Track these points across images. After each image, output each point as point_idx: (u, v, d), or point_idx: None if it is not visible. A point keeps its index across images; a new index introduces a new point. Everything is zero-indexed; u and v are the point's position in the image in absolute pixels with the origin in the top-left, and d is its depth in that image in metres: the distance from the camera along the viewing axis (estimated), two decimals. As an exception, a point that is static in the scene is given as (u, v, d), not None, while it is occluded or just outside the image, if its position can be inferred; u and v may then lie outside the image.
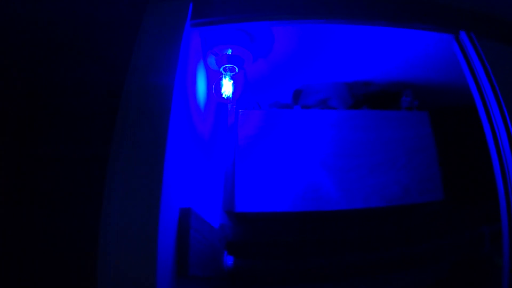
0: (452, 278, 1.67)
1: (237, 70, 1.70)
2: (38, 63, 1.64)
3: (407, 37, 1.70)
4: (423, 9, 1.42)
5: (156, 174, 0.98)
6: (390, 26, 1.44)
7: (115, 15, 1.48)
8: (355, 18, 1.39)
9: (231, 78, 1.71)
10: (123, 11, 1.44)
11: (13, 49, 1.57)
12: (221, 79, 1.71)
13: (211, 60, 1.69)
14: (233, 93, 1.71)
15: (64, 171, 1.59)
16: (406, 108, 2.01)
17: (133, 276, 0.88)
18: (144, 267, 0.88)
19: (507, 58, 1.35)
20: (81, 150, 1.61)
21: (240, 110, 1.96)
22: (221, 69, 1.69)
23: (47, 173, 1.61)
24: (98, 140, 1.44)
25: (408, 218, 1.93)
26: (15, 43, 1.56)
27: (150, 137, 1.05)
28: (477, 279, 1.58)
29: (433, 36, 1.65)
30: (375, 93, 2.08)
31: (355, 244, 1.82)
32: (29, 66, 1.65)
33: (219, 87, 1.71)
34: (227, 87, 1.70)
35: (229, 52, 1.65)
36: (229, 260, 1.67)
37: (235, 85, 1.72)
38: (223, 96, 1.70)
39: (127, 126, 1.07)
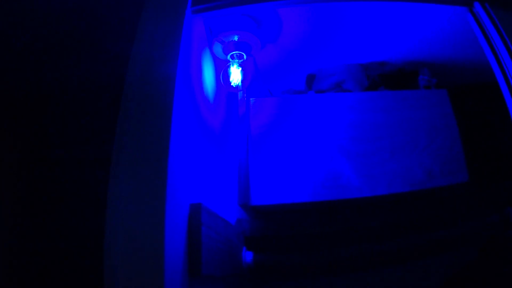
0: (480, 261, 1.58)
1: (245, 57, 1.63)
2: (39, 62, 1.61)
3: (420, 13, 1.64)
4: None
5: (160, 169, 0.94)
6: (403, 1, 1.40)
7: (114, 8, 1.44)
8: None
9: (240, 65, 1.64)
10: (123, 3, 1.41)
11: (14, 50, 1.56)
12: (228, 67, 1.64)
13: (218, 49, 1.63)
14: (242, 81, 1.65)
15: (71, 172, 1.57)
16: (424, 86, 1.91)
17: (140, 277, 0.83)
18: (151, 268, 0.83)
19: None
20: (87, 149, 1.59)
21: (251, 99, 1.89)
22: (229, 57, 1.62)
23: (54, 175, 1.59)
24: (103, 138, 1.40)
25: (433, 202, 1.83)
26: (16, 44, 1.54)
27: (152, 129, 1.00)
28: (505, 260, 1.49)
29: (447, 10, 1.60)
30: (391, 73, 1.99)
31: (380, 232, 1.73)
32: (31, 66, 1.62)
33: (227, 75, 1.64)
34: (235, 75, 1.63)
35: (236, 38, 1.59)
36: (248, 256, 1.60)
37: (244, 73, 1.65)
38: (232, 84, 1.63)
39: (129, 120, 1.04)
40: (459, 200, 1.82)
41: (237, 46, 1.60)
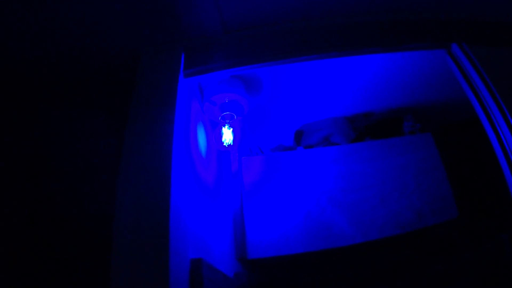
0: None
1: (235, 117, 1.70)
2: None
3: (400, 61, 1.72)
4: (411, 29, 1.43)
5: (162, 228, 0.98)
6: (382, 52, 1.45)
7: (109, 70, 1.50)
8: (346, 49, 1.40)
9: (230, 125, 1.72)
10: (116, 65, 1.47)
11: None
12: (220, 128, 1.72)
13: (209, 110, 1.71)
14: (233, 140, 1.72)
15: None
16: (409, 132, 2.01)
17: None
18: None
19: (501, 60, 1.33)
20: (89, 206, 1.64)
21: (243, 157, 1.97)
22: (220, 118, 1.70)
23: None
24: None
25: (425, 241, 1.86)
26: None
27: (153, 191, 1.05)
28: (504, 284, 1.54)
29: (426, 55, 1.67)
30: (377, 122, 2.08)
31: (375, 276, 1.76)
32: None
33: (219, 136, 1.71)
34: (227, 135, 1.71)
35: (226, 100, 1.66)
36: (247, 310, 1.61)
37: (234, 132, 1.73)
38: (224, 144, 1.71)
39: (129, 182, 1.08)
40: (452, 235, 1.86)
41: (227, 107, 1.67)
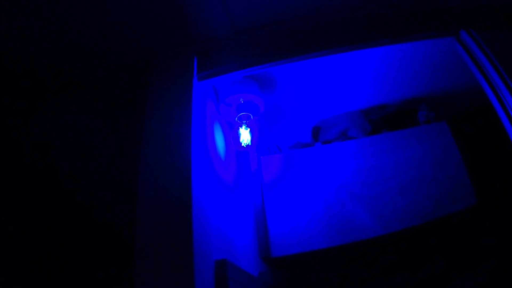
0: (501, 274, 1.60)
1: (252, 116, 1.72)
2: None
3: (411, 52, 1.71)
4: (418, 18, 1.42)
5: (185, 229, 0.99)
6: (392, 43, 1.43)
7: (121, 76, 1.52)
8: (357, 43, 1.39)
9: (247, 125, 1.73)
10: (127, 71, 1.49)
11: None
12: (237, 128, 1.74)
13: (225, 111, 1.73)
14: (251, 140, 1.73)
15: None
16: (424, 122, 2.00)
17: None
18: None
19: (510, 44, 1.32)
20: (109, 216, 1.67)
21: (261, 156, 1.98)
22: (236, 119, 1.72)
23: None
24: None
25: (445, 229, 1.84)
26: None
27: (174, 195, 1.06)
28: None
29: (436, 44, 1.66)
30: (392, 114, 2.07)
31: (399, 267, 1.75)
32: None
33: (237, 137, 1.73)
34: (245, 136, 1.72)
35: (241, 101, 1.68)
36: (273, 309, 1.62)
37: (252, 132, 1.75)
38: (242, 145, 1.72)
39: (150, 182, 1.10)
40: (471, 222, 1.84)
41: (243, 107, 1.69)
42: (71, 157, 1.77)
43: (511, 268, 1.58)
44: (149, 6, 1.23)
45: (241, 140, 1.72)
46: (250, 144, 1.73)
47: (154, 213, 1.04)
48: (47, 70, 1.42)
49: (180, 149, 1.15)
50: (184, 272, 0.93)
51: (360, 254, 1.83)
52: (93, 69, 1.46)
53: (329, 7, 1.44)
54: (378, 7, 1.46)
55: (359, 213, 1.74)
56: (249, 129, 1.74)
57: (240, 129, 1.73)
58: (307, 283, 1.82)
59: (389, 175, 1.83)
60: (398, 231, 1.69)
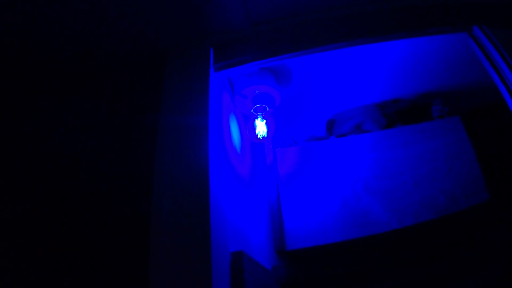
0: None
1: (267, 108, 1.71)
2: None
3: (425, 46, 1.71)
4: (432, 13, 1.42)
5: (203, 221, 0.99)
6: (406, 37, 1.43)
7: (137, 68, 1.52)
8: (373, 35, 1.39)
9: (263, 117, 1.73)
10: (143, 63, 1.49)
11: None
12: (253, 120, 1.73)
13: (241, 103, 1.72)
14: (267, 132, 1.73)
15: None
16: (438, 117, 2.00)
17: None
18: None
19: None
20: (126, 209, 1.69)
21: (277, 149, 1.97)
22: (252, 110, 1.71)
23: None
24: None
25: (458, 224, 1.83)
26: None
27: (191, 187, 1.06)
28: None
29: (450, 39, 1.66)
30: (406, 108, 2.07)
31: (413, 261, 1.74)
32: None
33: (253, 128, 1.73)
34: (260, 127, 1.72)
35: (257, 92, 1.67)
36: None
37: (268, 124, 1.74)
38: (258, 137, 1.72)
39: (166, 174, 1.10)
40: (484, 218, 1.82)
41: (259, 99, 1.68)
42: (85, 151, 1.78)
43: None
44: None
45: (257, 132, 1.72)
46: (266, 136, 1.72)
47: (171, 204, 1.04)
48: (65, 64, 1.43)
49: (197, 141, 1.14)
50: (201, 264, 0.93)
51: (374, 248, 1.82)
52: (109, 61, 1.46)
53: (345, 0, 1.43)
54: (394, 1, 1.45)
55: (374, 207, 1.74)
56: (265, 121, 1.73)
57: (256, 120, 1.73)
58: (319, 278, 1.81)
59: (403, 169, 1.82)
60: (412, 225, 1.69)
